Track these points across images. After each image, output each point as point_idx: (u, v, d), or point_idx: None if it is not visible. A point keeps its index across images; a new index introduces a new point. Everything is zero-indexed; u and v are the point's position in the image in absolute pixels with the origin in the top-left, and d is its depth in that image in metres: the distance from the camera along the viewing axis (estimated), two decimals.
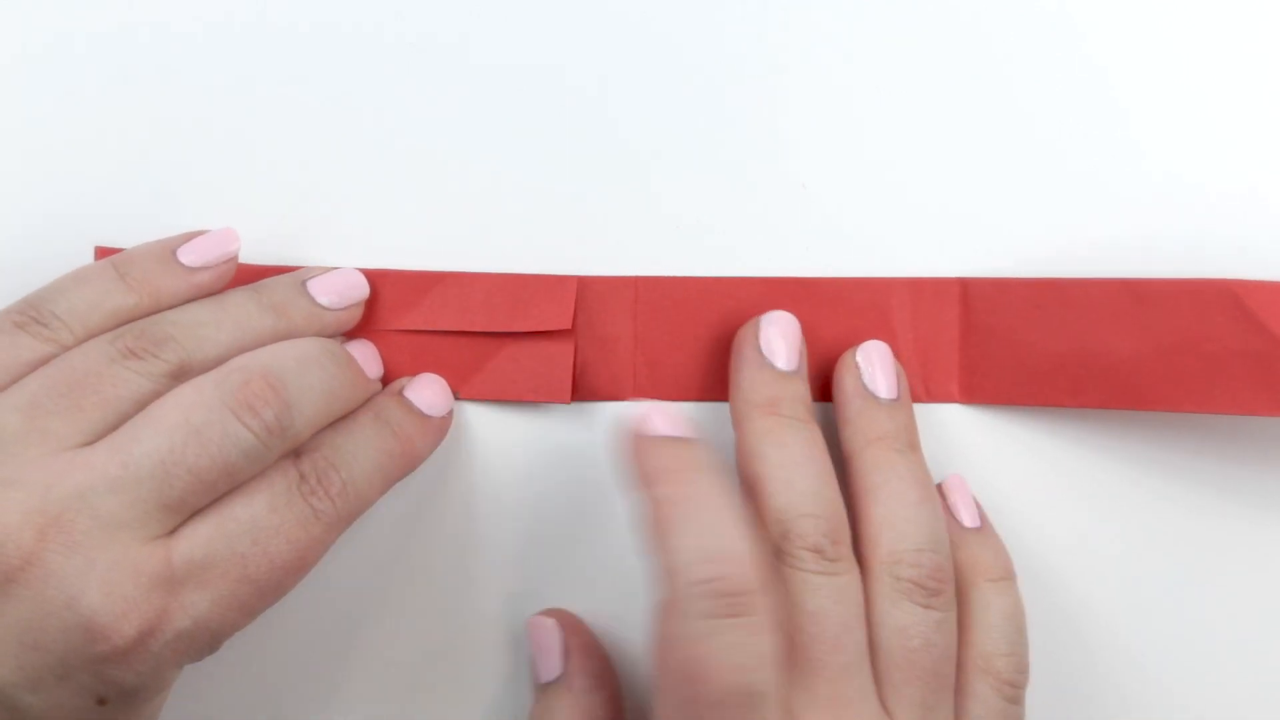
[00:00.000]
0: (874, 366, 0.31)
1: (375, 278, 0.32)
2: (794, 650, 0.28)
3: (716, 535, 0.26)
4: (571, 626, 0.32)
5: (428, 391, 0.31)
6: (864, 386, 0.31)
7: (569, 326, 0.32)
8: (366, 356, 0.32)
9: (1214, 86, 0.33)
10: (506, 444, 0.33)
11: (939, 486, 0.32)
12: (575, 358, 0.32)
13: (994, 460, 0.33)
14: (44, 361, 0.27)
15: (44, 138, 0.32)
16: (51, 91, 0.32)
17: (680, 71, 0.33)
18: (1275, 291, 0.29)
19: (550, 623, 0.32)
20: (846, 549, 0.29)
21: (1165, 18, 0.33)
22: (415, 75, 0.32)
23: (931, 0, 0.33)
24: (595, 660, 0.31)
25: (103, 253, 0.32)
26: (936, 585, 0.29)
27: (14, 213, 0.32)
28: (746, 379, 0.31)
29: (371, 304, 0.32)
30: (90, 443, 0.26)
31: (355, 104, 0.32)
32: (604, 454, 0.33)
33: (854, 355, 0.32)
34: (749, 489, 0.30)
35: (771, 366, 0.30)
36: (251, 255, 0.32)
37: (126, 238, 0.32)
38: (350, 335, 0.32)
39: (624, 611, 0.33)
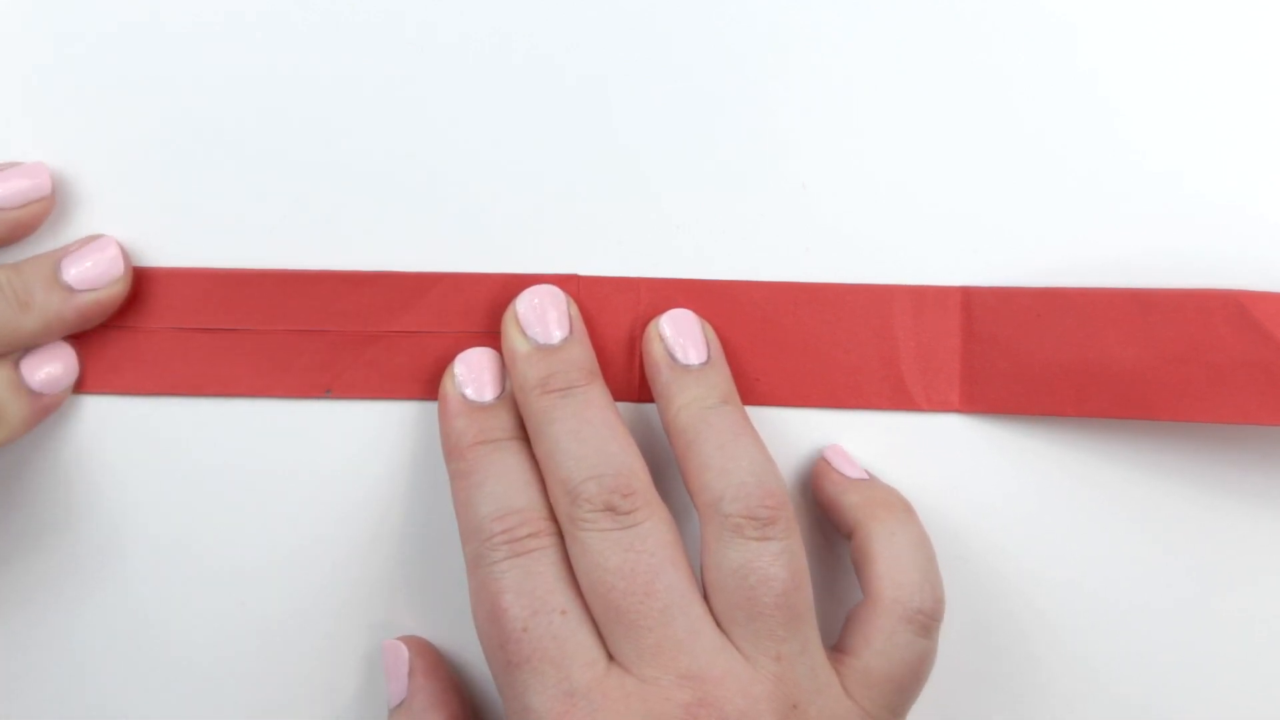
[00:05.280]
0: (680, 335, 0.31)
1: (375, 279, 0.32)
2: (615, 612, 0.28)
3: (506, 498, 0.29)
4: (418, 649, 0.32)
5: (45, 368, 0.31)
6: (670, 356, 0.31)
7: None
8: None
9: (1220, 96, 0.33)
10: None
11: (820, 459, 0.32)
12: None
13: (995, 470, 0.33)
14: None
15: (41, 139, 0.32)
16: (47, 92, 0.32)
17: (680, 71, 0.33)
18: None
19: (399, 645, 0.32)
20: (644, 497, 0.29)
21: (1172, 29, 0.33)
22: (414, 75, 0.32)
23: (938, 8, 0.33)
24: (437, 681, 0.31)
25: None
26: (768, 513, 0.28)
27: None
28: (516, 367, 0.30)
29: (372, 305, 0.32)
30: None
31: (354, 104, 0.32)
32: None
33: (658, 325, 0.31)
34: (542, 470, 0.30)
35: (535, 343, 0.30)
36: (252, 257, 0.32)
37: (126, 238, 0.32)
38: (361, 338, 0.32)
39: None
